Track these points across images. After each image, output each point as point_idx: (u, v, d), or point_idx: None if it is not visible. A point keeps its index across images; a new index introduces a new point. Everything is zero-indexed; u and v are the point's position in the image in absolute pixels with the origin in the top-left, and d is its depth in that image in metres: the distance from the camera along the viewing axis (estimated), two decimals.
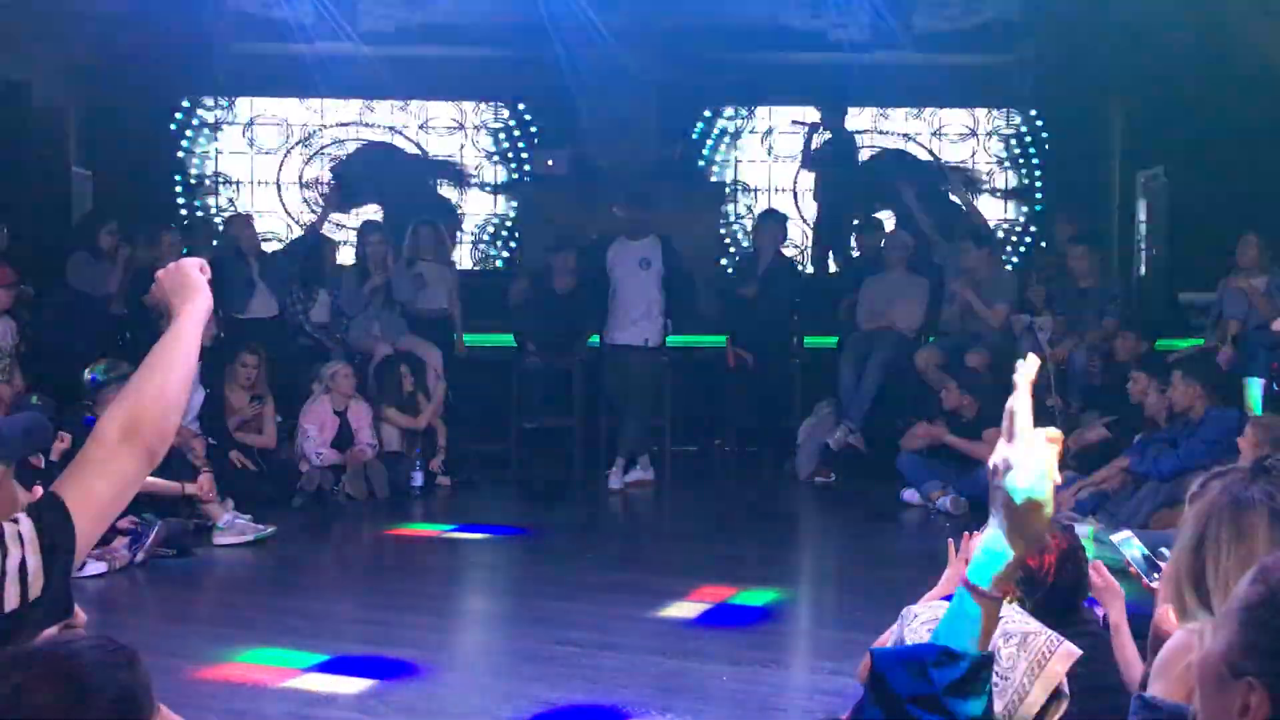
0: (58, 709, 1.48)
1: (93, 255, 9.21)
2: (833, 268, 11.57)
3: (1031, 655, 1.71)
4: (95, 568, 6.32)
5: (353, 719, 4.40)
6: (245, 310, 9.31)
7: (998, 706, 1.66)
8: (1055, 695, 1.72)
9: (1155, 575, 3.26)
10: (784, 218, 10.62)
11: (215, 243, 10.38)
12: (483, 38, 11.93)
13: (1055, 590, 2.79)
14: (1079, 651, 1.74)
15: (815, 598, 6.34)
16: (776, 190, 13.15)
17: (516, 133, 12.85)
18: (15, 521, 1.90)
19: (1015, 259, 12.67)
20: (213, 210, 12.64)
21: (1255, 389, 7.74)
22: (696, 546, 7.77)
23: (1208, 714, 1.41)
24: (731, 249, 12.71)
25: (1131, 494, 7.41)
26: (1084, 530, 6.97)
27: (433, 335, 9.72)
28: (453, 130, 13.10)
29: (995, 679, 1.67)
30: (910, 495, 8.43)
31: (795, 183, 12.89)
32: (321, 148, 13.04)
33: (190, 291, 2.19)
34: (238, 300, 9.30)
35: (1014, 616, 1.77)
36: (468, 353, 10.04)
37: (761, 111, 13.17)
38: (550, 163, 11.33)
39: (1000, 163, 13.27)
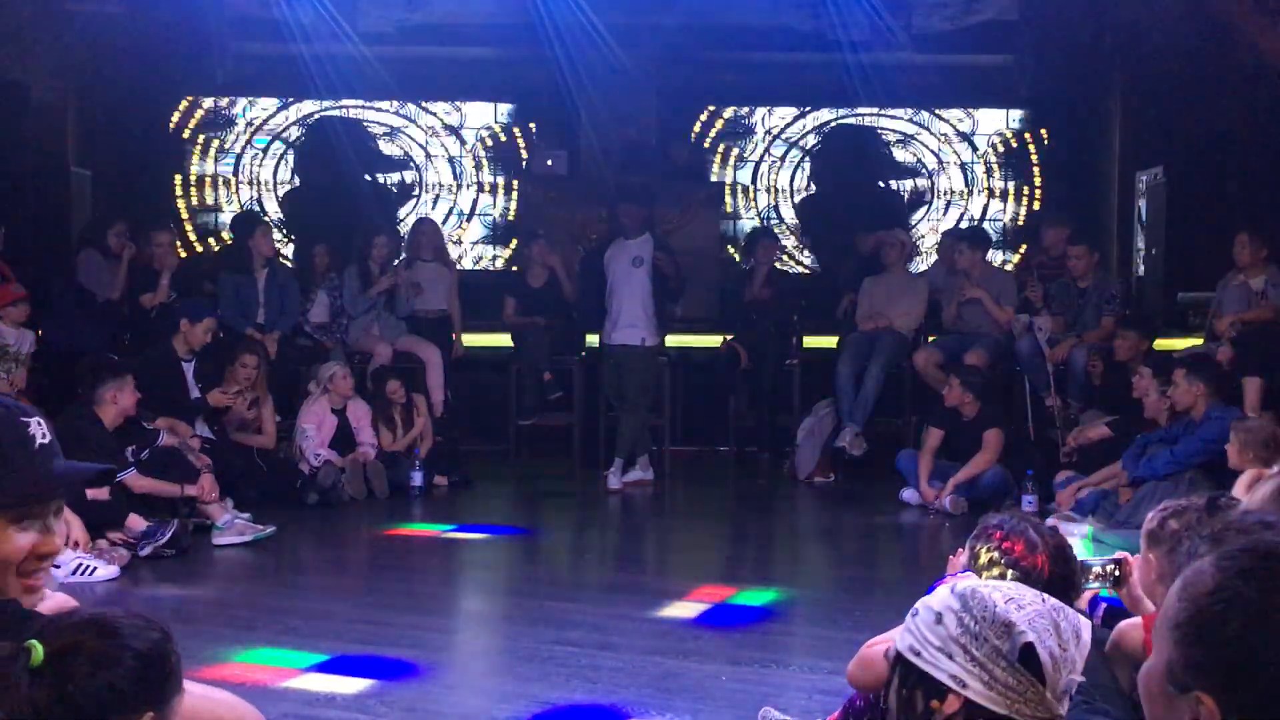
0: (97, 652, 1.73)
1: (102, 254, 9.19)
2: None
3: (1072, 634, 1.83)
4: (108, 572, 6.30)
5: (352, 719, 4.40)
6: (253, 322, 9.24)
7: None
8: None
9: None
10: (775, 234, 10.59)
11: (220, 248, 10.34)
12: (482, 38, 11.93)
13: (1049, 588, 2.82)
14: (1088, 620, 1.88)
15: (815, 598, 6.32)
16: (774, 190, 13.16)
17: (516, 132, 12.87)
18: None
19: (1014, 259, 12.68)
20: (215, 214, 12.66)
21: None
22: (696, 546, 7.77)
23: None
24: (730, 249, 12.71)
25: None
26: (1083, 530, 6.97)
27: (432, 335, 9.72)
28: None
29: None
30: (910, 495, 8.43)
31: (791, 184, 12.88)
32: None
33: None
34: (245, 316, 9.23)
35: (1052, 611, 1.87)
36: (466, 353, 10.04)
37: (760, 111, 13.18)
38: (550, 162, 11.31)
39: (999, 162, 13.27)
